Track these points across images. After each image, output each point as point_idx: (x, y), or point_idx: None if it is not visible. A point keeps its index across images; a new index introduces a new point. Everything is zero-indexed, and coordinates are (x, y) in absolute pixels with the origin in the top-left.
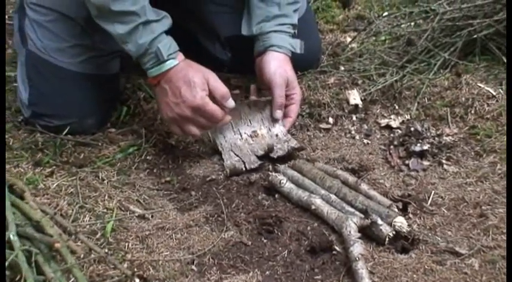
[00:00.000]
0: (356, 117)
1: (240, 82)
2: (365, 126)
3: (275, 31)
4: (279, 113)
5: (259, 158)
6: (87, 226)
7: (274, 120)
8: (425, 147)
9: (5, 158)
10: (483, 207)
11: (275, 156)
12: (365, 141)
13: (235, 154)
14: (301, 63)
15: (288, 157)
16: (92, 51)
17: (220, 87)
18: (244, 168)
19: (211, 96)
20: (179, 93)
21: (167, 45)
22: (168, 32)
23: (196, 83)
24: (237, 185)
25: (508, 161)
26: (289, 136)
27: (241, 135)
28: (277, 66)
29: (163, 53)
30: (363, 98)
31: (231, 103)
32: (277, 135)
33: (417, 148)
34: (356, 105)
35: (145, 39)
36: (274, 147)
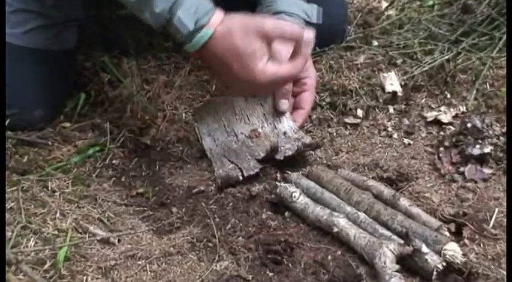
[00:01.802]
0: (394, 109)
1: None
2: (406, 121)
3: None
4: (283, 104)
5: (261, 161)
6: (32, 253)
7: (279, 114)
8: (487, 149)
9: (5, 158)
10: None
11: (281, 158)
12: (406, 141)
13: (229, 161)
14: (320, 36)
15: (301, 160)
16: (41, 18)
17: (289, 30)
18: (241, 177)
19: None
20: (234, 73)
21: (191, 9)
22: None
23: (250, 55)
24: (233, 199)
25: None
26: (301, 133)
27: (237, 137)
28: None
29: (186, 24)
30: (403, 83)
31: (285, 105)
32: (285, 133)
33: (476, 151)
34: (394, 93)
35: (163, 5)
36: (281, 147)
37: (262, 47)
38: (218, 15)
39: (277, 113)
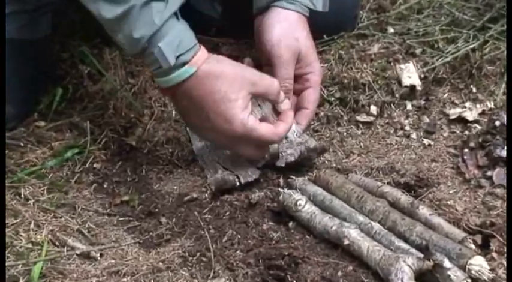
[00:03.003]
0: (412, 106)
1: (233, 50)
2: (426, 119)
3: None
4: (284, 103)
5: (260, 168)
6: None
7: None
8: None
9: (5, 158)
10: None
11: (283, 165)
12: (426, 141)
13: (224, 167)
14: (328, 23)
15: (307, 164)
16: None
17: (270, 88)
18: (237, 182)
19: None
20: (207, 118)
21: (174, 42)
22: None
23: (233, 102)
24: (230, 207)
25: None
26: (305, 137)
27: None
28: (283, 32)
29: (168, 57)
30: (422, 75)
31: (286, 104)
32: (287, 137)
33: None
34: (412, 87)
35: (143, 32)
36: (282, 153)
37: (247, 98)
38: (202, 53)
39: (278, 115)
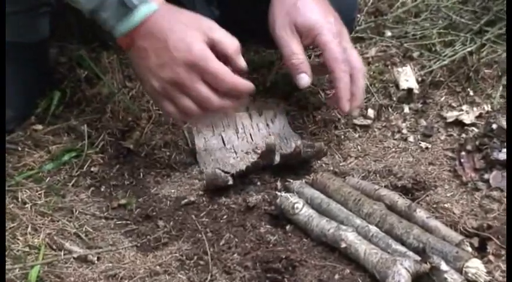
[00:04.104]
0: (409, 109)
1: None
2: (423, 122)
3: None
4: (302, 78)
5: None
6: None
7: (288, 136)
8: None
9: (5, 158)
10: None
11: (278, 159)
12: (423, 144)
13: (224, 172)
14: None
15: (304, 167)
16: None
17: (228, 39)
18: (231, 181)
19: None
20: (166, 48)
21: None
22: None
23: (192, 31)
24: (227, 211)
25: None
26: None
27: (236, 153)
28: (277, 12)
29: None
30: (419, 79)
31: (244, 63)
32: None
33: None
34: (409, 90)
35: None
36: (278, 151)
37: (205, 34)
38: None
39: (286, 134)
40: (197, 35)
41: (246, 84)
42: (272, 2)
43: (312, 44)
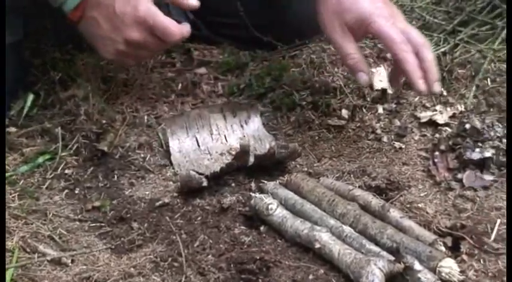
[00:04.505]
0: (383, 109)
1: (206, 55)
2: (397, 123)
3: None
4: (361, 76)
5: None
6: None
7: (263, 137)
8: (487, 153)
9: (5, 158)
10: None
11: (252, 160)
12: (397, 145)
13: (198, 173)
14: (299, 27)
15: (278, 168)
16: None
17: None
18: (205, 183)
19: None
20: (114, 13)
21: None
22: None
23: None
24: (202, 212)
25: None
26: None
27: (210, 154)
28: (324, 11)
29: None
30: None
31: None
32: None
33: (475, 155)
34: (383, 91)
35: None
36: (252, 152)
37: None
38: None
39: (260, 135)
40: None
41: (188, 32)
42: (316, 2)
43: (367, 34)
